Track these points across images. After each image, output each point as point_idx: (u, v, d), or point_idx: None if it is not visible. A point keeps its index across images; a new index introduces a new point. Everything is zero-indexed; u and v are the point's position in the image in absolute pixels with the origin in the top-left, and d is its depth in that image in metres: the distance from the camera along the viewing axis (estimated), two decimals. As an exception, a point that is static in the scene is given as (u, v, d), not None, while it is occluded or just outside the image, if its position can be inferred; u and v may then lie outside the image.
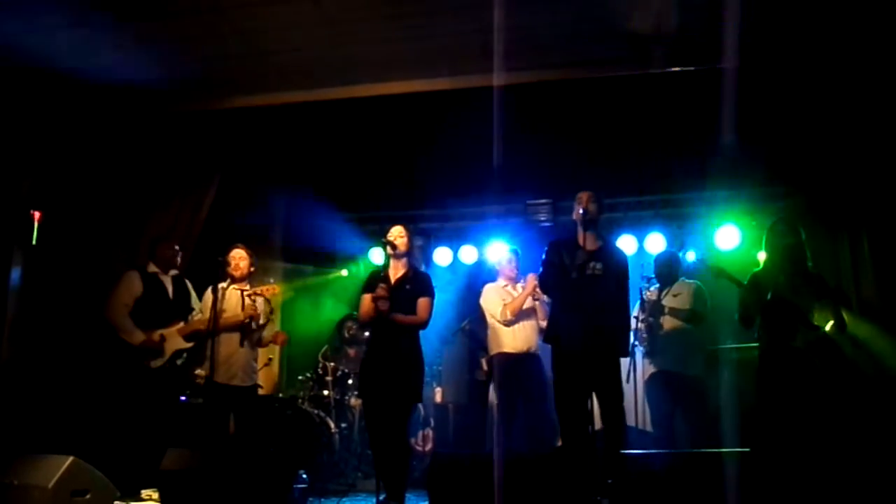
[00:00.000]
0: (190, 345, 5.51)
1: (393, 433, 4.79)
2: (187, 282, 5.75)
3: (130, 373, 5.31)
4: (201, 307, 5.58)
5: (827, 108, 5.72)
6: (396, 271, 4.97)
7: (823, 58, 5.26)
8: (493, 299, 6.08)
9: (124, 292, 5.44)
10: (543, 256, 4.90)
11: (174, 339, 5.44)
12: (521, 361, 5.88)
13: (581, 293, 4.57)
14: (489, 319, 6.10)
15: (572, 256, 4.66)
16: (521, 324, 5.95)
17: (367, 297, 4.90)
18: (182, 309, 5.58)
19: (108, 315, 5.41)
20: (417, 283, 4.93)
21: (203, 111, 6.36)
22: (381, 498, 4.62)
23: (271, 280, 5.75)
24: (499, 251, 6.58)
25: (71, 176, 6.32)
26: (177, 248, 5.74)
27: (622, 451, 4.41)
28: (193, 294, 5.72)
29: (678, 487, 3.57)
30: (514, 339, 5.93)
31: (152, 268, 5.58)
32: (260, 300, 5.49)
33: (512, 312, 5.91)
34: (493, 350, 6.07)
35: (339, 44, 5.37)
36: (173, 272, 5.68)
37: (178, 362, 5.49)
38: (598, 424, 4.69)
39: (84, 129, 6.35)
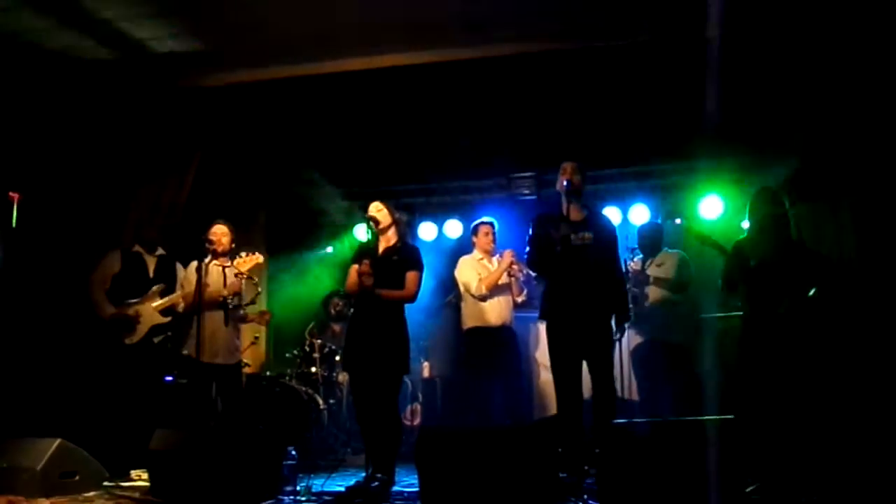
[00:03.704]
0: (167, 319, 5.50)
1: (383, 407, 4.80)
2: (178, 264, 5.74)
3: (105, 349, 5.36)
4: (182, 283, 5.56)
5: (811, 76, 5.72)
6: (387, 243, 4.96)
7: (810, 23, 5.24)
8: (469, 273, 5.94)
9: (101, 270, 5.54)
10: (529, 233, 4.86)
11: (150, 315, 5.45)
12: (495, 335, 5.80)
13: (570, 264, 4.57)
14: (463, 293, 6.00)
15: (557, 229, 4.63)
16: (497, 299, 5.84)
17: (354, 269, 4.88)
18: (165, 289, 5.57)
19: (88, 292, 5.49)
20: (405, 254, 4.88)
21: (184, 87, 6.30)
22: (370, 472, 4.66)
23: (254, 252, 5.59)
24: (475, 223, 6.34)
25: (51, 156, 6.23)
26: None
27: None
28: (183, 275, 5.69)
29: (664, 455, 3.61)
30: (490, 313, 5.83)
31: (137, 248, 5.64)
32: (244, 278, 5.46)
33: (487, 287, 5.79)
34: (468, 324, 5.94)
35: (320, 17, 5.30)
36: (160, 252, 5.69)
37: (156, 340, 5.48)
38: (584, 395, 4.72)
39: (63, 107, 6.25)
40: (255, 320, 5.95)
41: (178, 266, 5.73)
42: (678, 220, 7.02)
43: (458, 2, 5.11)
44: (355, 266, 4.86)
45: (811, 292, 4.60)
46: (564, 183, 4.67)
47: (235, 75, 6.07)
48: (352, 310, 5.07)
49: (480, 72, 6.09)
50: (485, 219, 6.28)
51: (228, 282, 5.40)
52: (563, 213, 4.64)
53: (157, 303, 5.47)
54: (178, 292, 5.54)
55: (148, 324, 5.43)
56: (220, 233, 5.49)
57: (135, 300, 5.44)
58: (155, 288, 5.52)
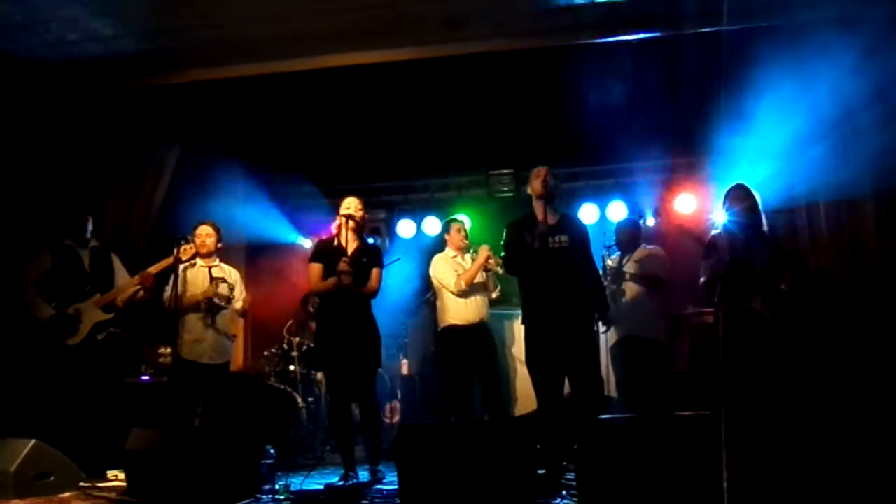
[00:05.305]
0: (110, 316, 5.33)
1: (362, 401, 4.84)
2: (114, 256, 5.58)
3: (48, 352, 5.17)
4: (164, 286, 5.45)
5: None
6: (353, 243, 4.96)
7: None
8: (445, 270, 5.89)
9: (32, 269, 5.30)
10: (504, 239, 4.87)
11: (92, 313, 5.28)
12: (472, 332, 5.80)
13: (547, 267, 4.58)
14: (440, 291, 5.94)
15: (532, 232, 4.63)
16: (473, 297, 5.83)
17: (316, 268, 4.88)
18: (102, 282, 5.39)
19: (22, 295, 5.27)
20: (372, 255, 5.01)
21: (158, 86, 6.25)
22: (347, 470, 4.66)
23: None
24: (447, 221, 6.31)
25: (24, 156, 6.14)
26: (88, 217, 5.49)
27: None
28: (121, 269, 5.55)
29: (643, 451, 3.64)
30: (467, 310, 5.81)
31: (68, 242, 5.41)
32: (228, 279, 5.44)
33: (467, 283, 5.75)
34: (444, 322, 5.89)
35: (297, 14, 5.28)
36: (94, 244, 5.50)
37: (100, 337, 5.28)
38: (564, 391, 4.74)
39: (36, 106, 6.18)
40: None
41: (114, 257, 5.56)
42: (651, 220, 7.08)
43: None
44: (317, 265, 4.86)
45: (785, 287, 4.66)
46: (539, 187, 4.65)
47: (208, 73, 6.03)
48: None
49: (459, 69, 6.10)
50: (456, 216, 6.30)
51: (218, 285, 5.37)
52: (538, 217, 4.64)
53: (97, 298, 5.30)
54: (120, 285, 5.39)
55: (90, 322, 5.25)
56: (206, 234, 5.44)
57: (77, 301, 5.26)
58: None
